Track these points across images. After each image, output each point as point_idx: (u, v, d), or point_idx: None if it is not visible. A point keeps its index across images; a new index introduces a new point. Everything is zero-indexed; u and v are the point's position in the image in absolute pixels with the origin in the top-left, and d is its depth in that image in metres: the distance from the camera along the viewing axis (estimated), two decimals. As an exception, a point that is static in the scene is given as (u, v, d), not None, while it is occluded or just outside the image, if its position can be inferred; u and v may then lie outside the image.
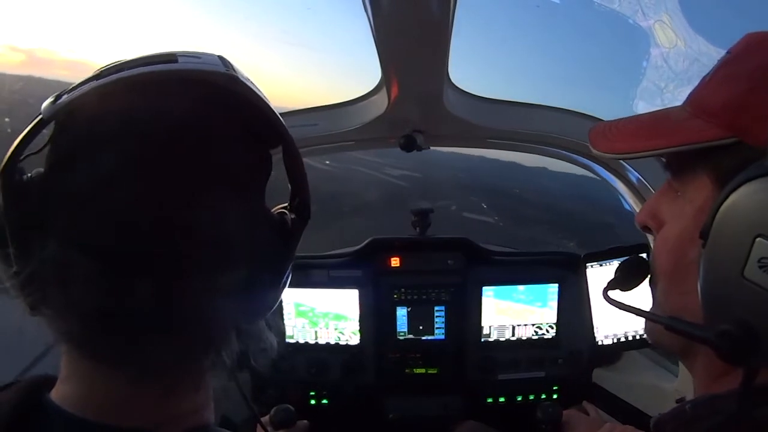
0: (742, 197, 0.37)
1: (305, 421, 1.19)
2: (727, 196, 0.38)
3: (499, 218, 14.69)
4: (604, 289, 0.56)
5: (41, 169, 0.38)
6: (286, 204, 0.49)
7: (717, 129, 0.43)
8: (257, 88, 0.43)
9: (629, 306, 0.52)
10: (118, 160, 0.36)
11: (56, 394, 0.40)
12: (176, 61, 0.39)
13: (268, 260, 0.44)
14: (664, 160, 0.51)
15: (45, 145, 0.38)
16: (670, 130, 0.47)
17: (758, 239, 0.35)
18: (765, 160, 0.36)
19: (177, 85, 0.39)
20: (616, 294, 0.56)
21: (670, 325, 0.44)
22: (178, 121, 0.38)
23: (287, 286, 0.49)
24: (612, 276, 0.57)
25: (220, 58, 0.42)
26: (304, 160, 0.47)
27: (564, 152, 1.44)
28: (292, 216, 0.47)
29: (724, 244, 0.38)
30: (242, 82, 0.41)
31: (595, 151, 0.52)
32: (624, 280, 0.56)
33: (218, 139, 0.39)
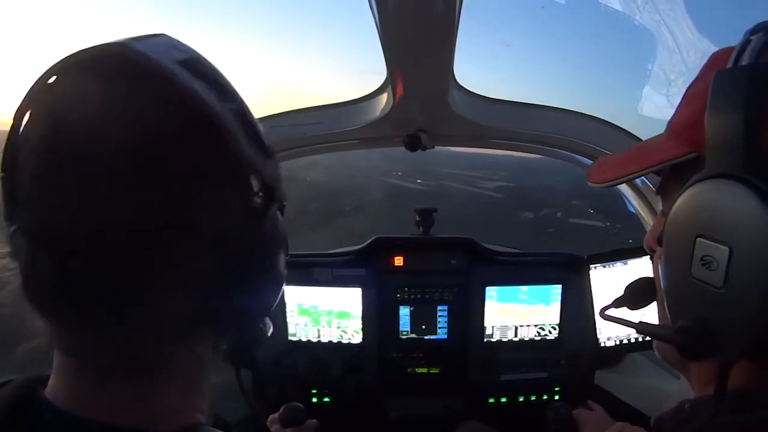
0: (683, 203, 0.41)
1: (314, 420, 1.18)
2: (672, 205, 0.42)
3: (610, 222, 13.90)
4: (605, 307, 0.60)
5: None
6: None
7: (682, 147, 0.46)
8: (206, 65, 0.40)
9: (614, 317, 0.56)
10: (50, 154, 0.35)
11: (48, 390, 0.41)
12: (124, 45, 0.37)
13: (240, 248, 0.41)
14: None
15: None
16: (649, 154, 0.50)
17: (698, 239, 0.39)
18: (706, 169, 0.39)
19: (99, 68, 0.36)
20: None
21: (640, 330, 0.48)
22: (99, 104, 0.36)
23: (279, 283, 0.48)
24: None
25: (170, 39, 0.40)
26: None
27: (568, 153, 1.44)
28: (258, 200, 0.43)
29: (674, 248, 0.42)
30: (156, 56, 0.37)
31: (590, 184, 0.57)
32: (631, 299, 0.59)
33: (145, 115, 0.36)
